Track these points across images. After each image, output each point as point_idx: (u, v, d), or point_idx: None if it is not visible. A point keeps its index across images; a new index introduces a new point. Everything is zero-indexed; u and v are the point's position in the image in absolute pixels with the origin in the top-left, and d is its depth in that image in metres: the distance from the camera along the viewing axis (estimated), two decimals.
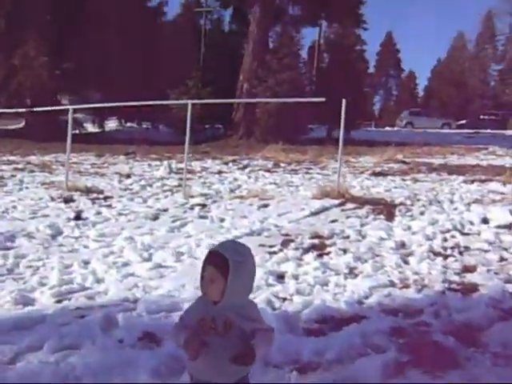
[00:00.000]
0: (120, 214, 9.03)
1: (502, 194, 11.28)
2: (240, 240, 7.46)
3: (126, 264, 6.29)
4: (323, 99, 10.47)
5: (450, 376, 3.72)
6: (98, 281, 5.64)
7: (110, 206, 9.74)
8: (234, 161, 17.73)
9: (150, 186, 12.26)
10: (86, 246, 7.02)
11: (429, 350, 4.12)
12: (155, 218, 8.90)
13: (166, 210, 9.52)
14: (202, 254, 6.71)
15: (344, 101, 10.43)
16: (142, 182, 12.58)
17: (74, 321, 4.50)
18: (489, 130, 40.82)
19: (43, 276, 5.65)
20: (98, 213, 9.09)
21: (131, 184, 12.38)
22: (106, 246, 7.04)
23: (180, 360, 3.84)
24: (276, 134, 22.84)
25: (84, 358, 3.82)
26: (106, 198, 10.49)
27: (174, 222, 8.56)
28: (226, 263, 2.54)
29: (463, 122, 49.27)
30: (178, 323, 2.72)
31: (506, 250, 7.12)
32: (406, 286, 5.65)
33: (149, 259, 6.51)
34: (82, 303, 4.97)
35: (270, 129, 23.64)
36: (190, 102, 10.91)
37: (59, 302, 4.98)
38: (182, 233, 7.92)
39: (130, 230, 7.87)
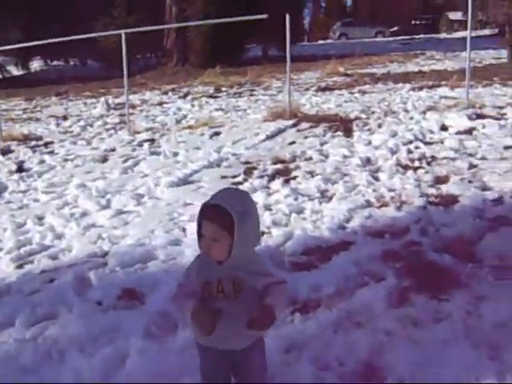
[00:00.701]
0: (66, 160, 8.43)
1: (454, 98, 11.16)
2: (198, 174, 7.10)
3: (84, 214, 5.82)
4: (265, 16, 9.86)
5: (456, 298, 3.53)
6: (59, 237, 5.17)
7: (52, 153, 9.09)
8: (173, 90, 16.97)
9: (91, 125, 11.56)
10: (36, 200, 6.48)
11: (428, 272, 3.92)
12: (104, 159, 8.35)
13: (113, 150, 8.97)
14: (162, 193, 6.34)
15: (287, 16, 9.86)
16: (81, 123, 11.83)
17: (42, 287, 4.07)
18: (422, 35, 40.75)
19: None
20: (42, 161, 8.45)
21: (70, 126, 11.63)
22: (58, 196, 6.52)
23: (169, 315, 3.54)
24: (212, 57, 21.93)
25: (64, 329, 3.43)
26: (46, 145, 9.80)
27: (125, 162, 8.05)
28: (230, 217, 2.16)
29: (396, 28, 48.99)
30: (177, 292, 2.35)
31: (472, 156, 7.00)
32: (385, 205, 5.43)
33: (107, 206, 6.05)
34: (47, 265, 4.52)
35: (205, 53, 22.71)
36: (123, 31, 10.09)
37: (21, 266, 4.52)
38: (136, 173, 7.45)
39: (81, 176, 7.33)
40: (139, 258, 4.49)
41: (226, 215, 2.16)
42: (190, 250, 4.55)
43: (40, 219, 5.70)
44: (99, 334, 3.38)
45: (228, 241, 2.19)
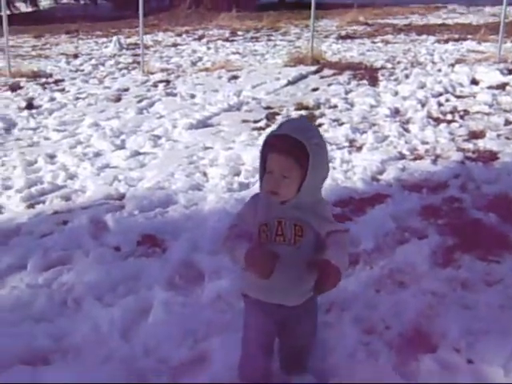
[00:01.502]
0: (77, 99, 8.04)
1: (483, 52, 10.65)
2: (218, 117, 6.76)
3: (97, 154, 5.50)
4: None
5: (508, 260, 3.24)
6: (71, 177, 4.86)
7: (63, 91, 8.68)
8: (187, 32, 16.37)
9: (103, 64, 11.09)
10: (46, 138, 6.14)
11: (473, 231, 3.62)
12: (117, 99, 7.97)
13: (126, 90, 8.56)
14: (180, 135, 6.02)
15: None
16: (93, 62, 11.36)
17: (55, 229, 3.78)
18: None
19: (6, 177, 4.80)
20: (52, 99, 8.05)
21: (81, 64, 11.16)
22: (70, 135, 6.18)
23: (194, 265, 3.26)
24: (226, 1, 21.24)
25: (80, 275, 3.15)
26: (56, 82, 9.37)
27: (139, 102, 7.67)
28: (303, 149, 1.85)
29: None
30: (229, 233, 2.06)
31: (507, 111, 6.62)
32: (419, 158, 5.10)
33: (122, 146, 5.73)
34: (59, 206, 4.22)
35: None
36: None
37: (31, 206, 4.20)
38: (152, 114, 7.09)
39: (94, 115, 6.97)
40: (159, 203, 4.20)
41: (299, 147, 1.85)
42: (212, 195, 4.27)
43: (51, 158, 5.38)
44: (118, 282, 3.10)
45: (299, 177, 1.89)
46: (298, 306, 2.07)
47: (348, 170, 4.79)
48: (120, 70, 10.44)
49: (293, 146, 1.87)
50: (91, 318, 2.79)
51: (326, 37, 14.39)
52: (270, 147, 1.93)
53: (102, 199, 4.32)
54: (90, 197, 4.40)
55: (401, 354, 2.47)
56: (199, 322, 2.72)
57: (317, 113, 6.75)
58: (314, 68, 9.48)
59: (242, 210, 2.11)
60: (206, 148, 5.56)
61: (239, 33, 15.84)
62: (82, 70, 10.50)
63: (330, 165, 4.80)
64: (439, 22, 17.66)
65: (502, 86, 7.86)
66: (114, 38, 13.64)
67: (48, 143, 5.95)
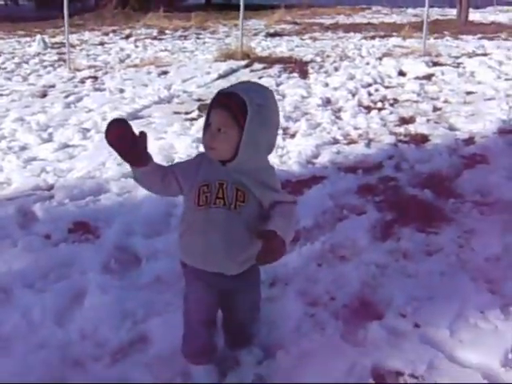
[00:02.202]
0: (0, 95, 7.68)
1: (407, 47, 10.94)
2: (148, 109, 6.61)
3: (23, 148, 5.23)
4: None
5: (445, 231, 3.28)
6: None
7: None
8: (114, 31, 16.03)
9: (26, 62, 10.66)
10: None
11: (410, 206, 3.65)
12: (43, 95, 7.65)
13: (53, 86, 8.24)
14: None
15: None
16: (16, 60, 10.90)
17: None
18: None
19: None
20: None
21: (3, 63, 10.66)
22: None
23: (130, 249, 3.13)
24: (153, 1, 20.95)
25: (8, 265, 2.96)
26: None
27: (66, 97, 7.39)
28: (243, 106, 1.78)
29: None
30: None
31: (435, 99, 6.81)
32: (353, 142, 5.14)
33: (50, 139, 5.48)
34: None
35: None
36: None
37: None
38: (80, 108, 6.84)
39: (18, 110, 6.65)
40: (90, 191, 4.02)
41: (239, 103, 1.78)
42: None
43: None
44: (50, 269, 2.92)
45: (236, 136, 1.81)
46: (238, 275, 1.98)
47: (283, 154, 4.76)
48: (45, 67, 10.06)
49: (232, 101, 1.80)
50: (22, 306, 2.61)
51: (255, 35, 14.45)
52: (213, 103, 1.86)
53: (30, 190, 4.10)
54: (16, 188, 4.16)
55: (347, 324, 2.43)
56: (138, 304, 2.59)
57: None
58: (244, 62, 9.46)
59: (184, 162, 2.05)
60: None
61: (167, 32, 15.67)
62: (5, 68, 10.06)
63: None
64: (365, 21, 18.10)
65: (428, 77, 8.10)
66: (38, 37, 13.16)
67: None
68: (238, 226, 1.88)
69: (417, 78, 8.06)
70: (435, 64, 9.02)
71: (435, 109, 6.33)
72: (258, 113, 1.79)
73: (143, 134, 1.83)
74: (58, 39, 13.96)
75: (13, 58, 11.23)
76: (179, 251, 2.05)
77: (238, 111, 1.79)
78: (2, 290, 2.77)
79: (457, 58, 9.78)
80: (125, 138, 1.81)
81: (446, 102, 6.69)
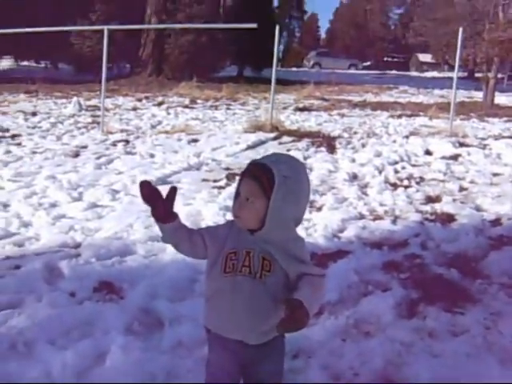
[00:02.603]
0: (34, 153, 7.89)
1: (434, 127, 11.08)
2: (178, 175, 6.72)
3: (53, 205, 5.34)
4: (255, 25, 9.57)
5: (471, 312, 3.23)
6: (25, 225, 4.69)
7: (19, 145, 8.52)
8: (147, 98, 16.53)
9: (61, 123, 11.01)
10: (1, 188, 5.95)
11: (436, 285, 3.62)
12: (76, 155, 7.86)
13: (85, 147, 8.47)
14: (138, 190, 5.88)
15: (277, 27, 9.64)
16: (52, 120, 11.28)
17: (7, 273, 3.60)
18: (394, 71, 41.48)
19: None
20: (8, 151, 7.89)
21: (39, 122, 11.05)
22: (26, 186, 6.00)
23: (154, 312, 3.13)
24: (187, 71, 21.64)
25: (32, 319, 2.97)
26: (13, 137, 9.21)
27: (98, 158, 7.57)
28: (271, 177, 1.82)
29: (368, 63, 49.82)
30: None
31: (461, 179, 6.83)
32: (379, 218, 5.14)
33: (79, 198, 5.59)
34: (12, 251, 4.04)
35: (180, 66, 22.35)
36: (106, 27, 9.70)
37: None
38: (110, 170, 6.99)
39: (51, 168, 6.83)
40: (116, 252, 4.07)
41: (267, 174, 1.81)
42: (171, 247, 4.14)
43: (5, 206, 5.20)
44: (73, 326, 2.94)
45: (263, 206, 1.83)
46: (260, 346, 1.96)
47: (309, 227, 4.78)
48: (79, 128, 10.38)
49: (261, 172, 1.83)
50: (42, 362, 2.62)
51: (285, 108, 14.73)
52: (244, 172, 1.90)
53: (57, 247, 4.17)
54: (44, 244, 4.24)
55: None
56: (159, 368, 2.58)
57: None
58: (272, 135, 9.64)
59: (213, 227, 2.06)
60: None
61: (199, 101, 16.08)
62: (40, 127, 10.39)
63: None
64: (392, 100, 18.38)
65: (455, 157, 8.15)
66: (74, 99, 13.64)
67: (2, 193, 5.76)
68: (262, 296, 1.88)
69: (443, 157, 8.12)
70: (462, 145, 9.10)
71: (461, 189, 6.35)
72: (284, 184, 1.81)
73: (173, 189, 1.96)
74: (92, 102, 14.41)
75: (49, 117, 11.61)
76: (203, 316, 2.05)
77: (266, 182, 1.82)
78: (25, 344, 2.78)
79: (483, 139, 9.86)
80: (156, 193, 1.95)
81: (472, 182, 6.70)
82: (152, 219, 4.40)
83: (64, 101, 14.81)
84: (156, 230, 4.49)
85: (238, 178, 5.37)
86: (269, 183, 1.82)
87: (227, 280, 1.90)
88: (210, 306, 1.99)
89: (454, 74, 10.53)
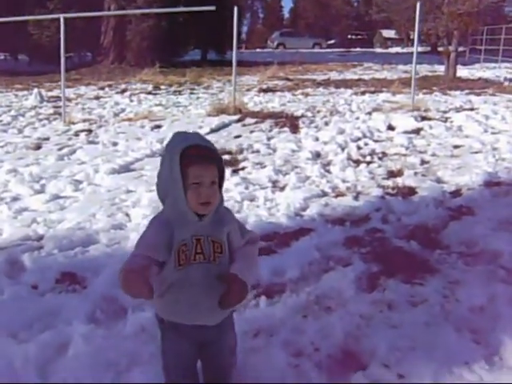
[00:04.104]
0: None
1: (397, 102, 11.17)
2: (141, 162, 6.69)
3: (15, 199, 5.29)
4: (213, 7, 9.50)
5: (430, 282, 3.30)
6: None
7: None
8: (109, 86, 16.34)
9: (22, 115, 10.83)
10: None
11: (396, 257, 3.69)
12: (37, 147, 7.75)
13: (47, 139, 8.36)
14: (102, 180, 5.89)
15: (236, 9, 9.58)
16: (12, 113, 11.09)
17: None
18: (358, 49, 41.62)
19: None
20: None
21: None
22: None
23: (116, 299, 3.13)
24: (150, 57, 21.40)
25: None
26: None
27: (60, 149, 7.49)
28: (220, 160, 1.89)
29: (333, 41, 49.87)
30: (128, 260, 1.85)
31: (422, 152, 6.93)
32: (341, 195, 5.20)
33: (42, 191, 5.54)
34: None
35: (143, 52, 22.13)
36: (62, 15, 9.51)
37: None
38: (73, 160, 6.92)
39: (12, 162, 6.74)
40: (79, 242, 4.05)
41: (217, 157, 1.89)
42: (134, 234, 4.14)
43: None
44: (35, 318, 2.93)
45: (217, 182, 1.90)
46: (217, 325, 2.00)
47: (271, 207, 4.82)
48: (40, 120, 10.23)
49: (214, 154, 1.89)
50: (4, 356, 2.61)
51: (248, 90, 14.70)
52: (191, 159, 1.83)
53: (19, 240, 4.13)
54: (5, 239, 4.19)
55: (331, 374, 2.44)
56: (122, 354, 2.59)
57: (240, 157, 6.80)
58: (236, 117, 9.63)
59: (150, 237, 1.91)
60: (129, 191, 5.45)
61: (162, 87, 15.96)
62: (1, 121, 10.21)
63: (253, 203, 4.87)
64: (356, 77, 18.46)
65: (417, 131, 8.25)
66: (35, 91, 13.42)
67: None
68: (216, 277, 1.91)
69: (405, 132, 8.20)
70: (424, 118, 9.20)
71: (423, 162, 6.43)
72: (222, 163, 1.92)
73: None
74: (54, 93, 14.21)
75: (9, 110, 11.42)
76: (158, 310, 2.05)
77: (219, 164, 1.89)
78: None
79: (445, 112, 9.98)
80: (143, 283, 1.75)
81: (433, 155, 6.80)
82: (114, 207, 4.36)
83: (25, 93, 14.58)
84: (119, 217, 4.50)
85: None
86: (220, 165, 1.89)
87: (182, 272, 1.90)
88: (166, 301, 1.97)
89: (414, 49, 10.60)
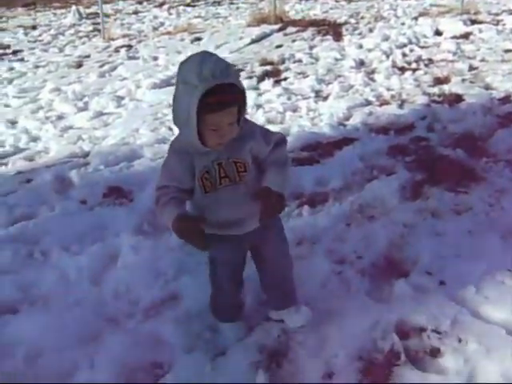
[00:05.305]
0: (37, 67, 7.83)
1: (444, 6, 10.63)
2: None
3: (60, 117, 5.39)
4: None
5: (475, 191, 3.25)
6: (34, 139, 4.77)
7: (22, 60, 8.45)
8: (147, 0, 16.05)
9: (62, 34, 10.82)
10: (7, 105, 6.01)
11: (441, 166, 3.61)
12: (79, 65, 7.79)
13: (88, 56, 8.38)
14: (144, 95, 5.92)
15: None
16: (52, 32, 11.08)
17: (19, 187, 3.69)
18: None
19: None
20: (11, 68, 7.85)
21: (40, 35, 10.86)
22: (32, 101, 6.03)
23: None
24: None
25: (46, 228, 3.07)
26: (15, 53, 9.12)
27: (101, 66, 7.51)
28: (236, 88, 1.74)
29: None
30: (158, 195, 1.88)
31: (471, 58, 6.63)
32: (385, 103, 5.08)
33: (85, 108, 5.62)
34: (23, 166, 4.13)
35: None
36: None
37: None
38: (114, 76, 6.94)
39: (55, 81, 6.80)
40: (124, 157, 4.12)
41: (233, 89, 1.72)
42: None
43: (13, 123, 5.25)
44: (85, 232, 3.04)
45: (236, 122, 1.80)
46: (262, 228, 1.98)
47: (314, 117, 4.77)
48: (80, 38, 10.22)
49: (230, 94, 1.72)
50: (59, 268, 2.73)
51: None
52: (209, 107, 1.70)
53: (66, 158, 4.24)
54: (53, 156, 4.31)
55: (373, 281, 2.47)
56: (169, 264, 2.68)
57: (281, 67, 6.67)
58: (277, 26, 9.39)
59: (173, 168, 1.88)
60: (171, 105, 5.44)
61: None
62: (41, 40, 10.25)
63: (296, 114, 4.82)
64: None
65: (466, 36, 7.88)
66: (73, 8, 13.29)
67: (9, 110, 5.81)
68: (248, 192, 1.91)
69: (453, 37, 7.85)
70: (473, 22, 8.77)
71: (471, 68, 6.18)
72: (240, 81, 1.78)
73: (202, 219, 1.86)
74: (92, 9, 14.05)
75: (49, 30, 11.42)
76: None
77: (239, 97, 1.76)
78: (41, 253, 2.90)
79: (496, 15, 9.47)
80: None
81: (482, 60, 6.52)
82: (157, 122, 4.36)
83: (63, 11, 14.47)
84: (162, 132, 4.54)
85: (242, 73, 5.29)
86: (240, 95, 1.76)
87: (211, 198, 1.91)
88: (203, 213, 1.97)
89: None
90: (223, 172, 1.88)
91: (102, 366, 2.11)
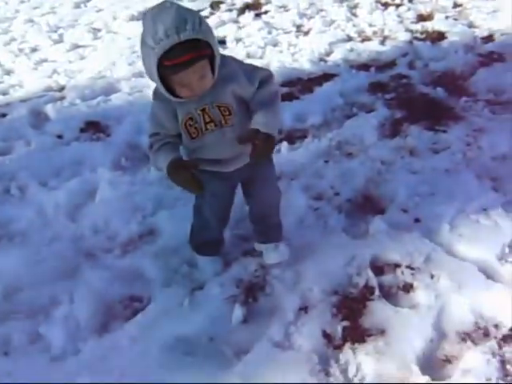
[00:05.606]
0: None
1: None
2: None
3: (34, 49, 5.22)
4: None
5: (454, 129, 3.25)
6: (7, 72, 4.63)
7: None
8: None
9: None
10: None
11: (421, 104, 3.60)
12: None
13: None
14: (120, 27, 5.73)
15: None
16: None
17: None
18: None
19: None
20: None
21: None
22: (3, 32, 5.81)
23: (140, 146, 3.18)
24: None
25: (22, 164, 3.05)
26: None
27: None
28: (209, 47, 1.68)
29: None
30: (151, 142, 1.91)
31: None
32: (367, 39, 4.99)
33: (60, 40, 5.43)
34: None
35: None
36: None
37: None
38: (90, 7, 6.67)
39: (27, 12, 6.54)
40: (101, 91, 4.04)
41: (204, 47, 1.66)
42: None
43: None
44: (62, 167, 3.02)
45: (209, 70, 1.74)
46: (252, 164, 1.97)
47: (295, 52, 4.68)
48: None
49: (192, 51, 1.63)
50: (36, 203, 2.73)
51: None
52: (169, 70, 1.65)
53: (42, 91, 4.13)
54: (28, 90, 4.20)
55: (350, 217, 2.50)
56: (147, 199, 2.69)
57: (262, 0, 6.51)
58: None
59: (157, 115, 1.88)
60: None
61: None
62: None
63: (277, 48, 4.74)
64: None
65: None
66: None
67: None
68: (237, 132, 1.88)
69: None
70: None
71: (456, 5, 6.04)
72: (209, 31, 1.68)
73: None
74: None
75: None
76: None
77: (205, 49, 1.67)
78: (18, 188, 2.88)
79: None
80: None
81: None
82: (135, 55, 4.21)
83: None
84: (139, 65, 4.43)
85: (222, 5, 5.09)
86: (207, 46, 1.68)
87: (198, 142, 1.90)
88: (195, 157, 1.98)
89: None
90: (208, 117, 1.86)
91: (81, 300, 2.14)
